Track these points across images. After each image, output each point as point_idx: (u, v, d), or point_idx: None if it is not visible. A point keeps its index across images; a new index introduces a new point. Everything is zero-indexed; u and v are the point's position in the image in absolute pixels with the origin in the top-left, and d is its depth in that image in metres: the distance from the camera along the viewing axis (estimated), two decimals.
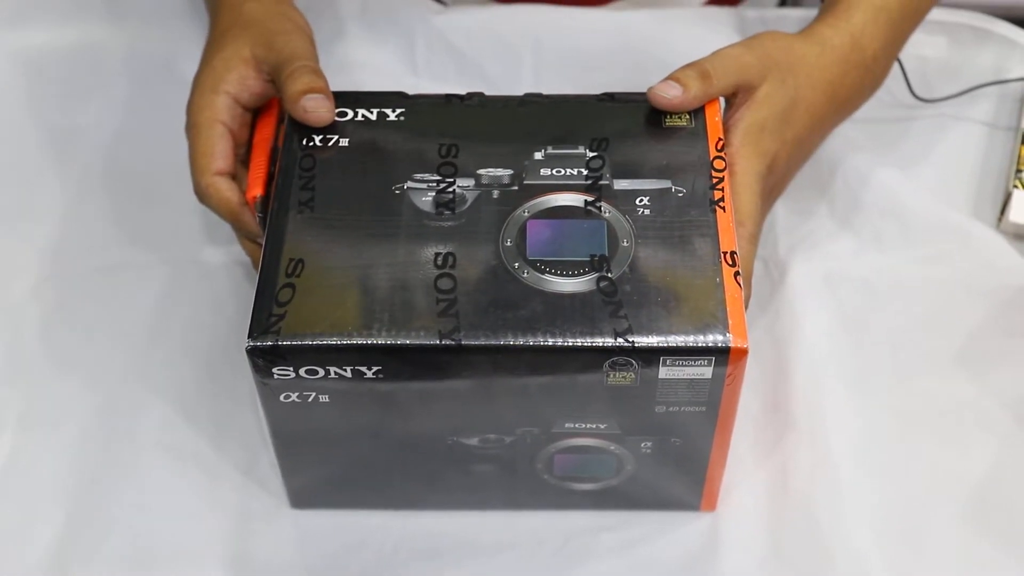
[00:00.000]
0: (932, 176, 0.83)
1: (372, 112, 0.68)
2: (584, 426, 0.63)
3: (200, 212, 0.82)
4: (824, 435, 0.72)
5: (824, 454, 0.71)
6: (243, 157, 0.72)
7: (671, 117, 0.67)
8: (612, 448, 0.65)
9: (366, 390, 0.61)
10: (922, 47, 0.88)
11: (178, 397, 0.74)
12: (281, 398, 0.61)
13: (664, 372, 0.59)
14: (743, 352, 0.59)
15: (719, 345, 0.58)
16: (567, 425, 0.63)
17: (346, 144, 0.67)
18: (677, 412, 0.62)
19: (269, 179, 0.68)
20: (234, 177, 0.70)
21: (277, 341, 0.59)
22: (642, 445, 0.64)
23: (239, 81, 0.70)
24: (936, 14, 0.89)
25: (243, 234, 0.71)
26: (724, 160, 0.66)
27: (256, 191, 0.67)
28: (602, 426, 0.63)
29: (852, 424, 0.72)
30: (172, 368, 0.76)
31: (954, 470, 0.71)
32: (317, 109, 0.67)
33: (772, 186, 0.72)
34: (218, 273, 0.80)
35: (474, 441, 0.64)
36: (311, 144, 0.67)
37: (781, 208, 0.82)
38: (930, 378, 0.75)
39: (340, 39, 0.91)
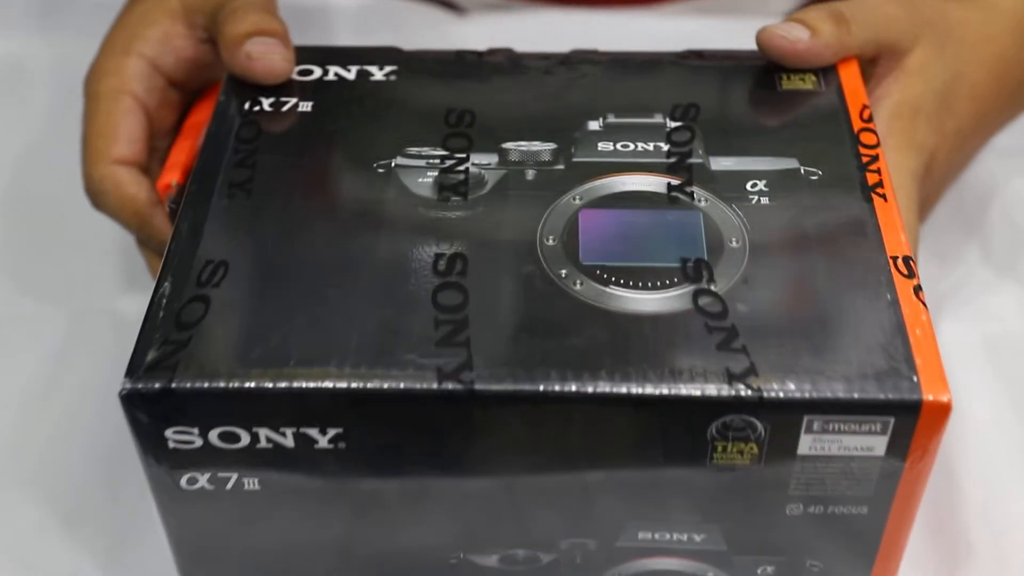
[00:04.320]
0: None
1: (349, 70, 0.47)
2: (669, 537, 0.39)
3: (121, 255, 0.61)
4: (1021, 568, 0.48)
5: None
6: (164, 152, 0.50)
7: (789, 78, 0.46)
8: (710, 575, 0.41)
9: (320, 471, 0.37)
10: None
11: (58, 494, 0.51)
12: (183, 483, 0.38)
13: (808, 444, 0.36)
14: (943, 410, 0.35)
15: (903, 399, 0.35)
16: (641, 536, 0.39)
17: (308, 109, 0.45)
18: (822, 516, 0.38)
19: None
20: (146, 171, 0.49)
21: (171, 383, 0.36)
22: (758, 571, 0.40)
23: (161, 40, 0.49)
24: None
25: (153, 246, 0.49)
26: (875, 133, 0.43)
27: (172, 177, 0.45)
28: (698, 538, 0.39)
29: None
30: (56, 451, 0.53)
31: None
32: (267, 55, 0.45)
33: (925, 197, 0.50)
34: (134, 328, 0.57)
35: (493, 561, 0.40)
36: (256, 109, 0.45)
37: None
38: None
39: None
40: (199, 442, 0.37)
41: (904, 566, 0.49)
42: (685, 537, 0.39)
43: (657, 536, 0.39)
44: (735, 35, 0.70)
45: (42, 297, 0.60)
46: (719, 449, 0.36)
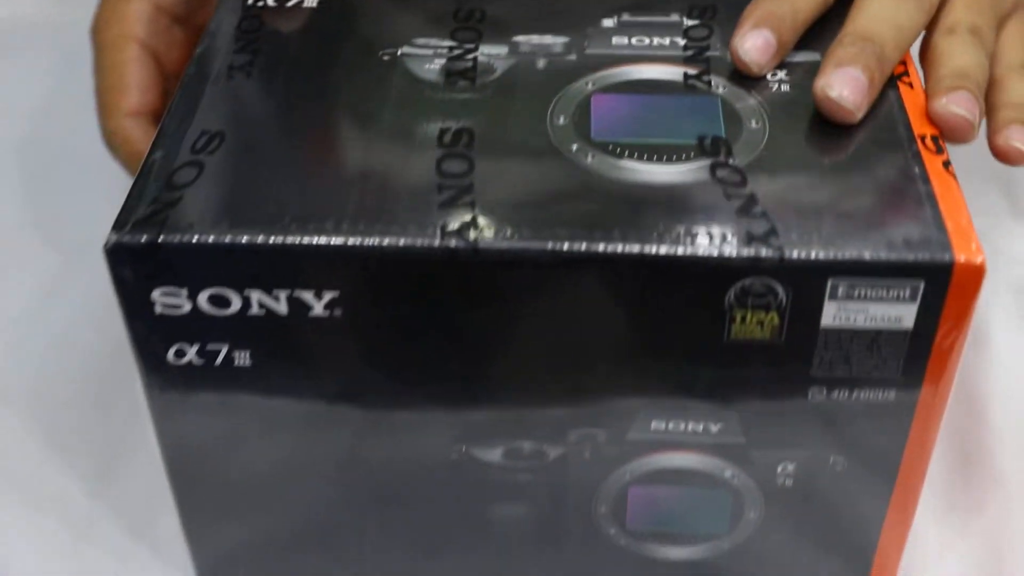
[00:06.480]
0: None
1: None
2: (684, 428, 0.37)
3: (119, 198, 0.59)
4: None
5: None
6: None
7: None
8: (727, 474, 0.38)
9: (316, 342, 0.36)
10: None
11: (45, 421, 0.49)
12: (170, 356, 0.36)
13: (832, 312, 0.34)
14: (976, 272, 0.33)
15: (934, 259, 0.33)
16: (654, 426, 0.37)
17: (313, 5, 0.44)
18: (847, 401, 0.36)
19: None
20: (159, 119, 0.48)
21: (159, 237, 0.34)
22: (779, 469, 0.38)
23: None
24: None
25: None
26: None
27: None
28: (714, 428, 0.37)
29: None
30: (43, 383, 0.51)
31: None
32: None
33: None
34: None
35: (496, 455, 0.38)
36: (259, 3, 0.44)
37: None
38: None
39: None
40: (187, 306, 0.35)
41: (932, 496, 0.47)
42: (701, 428, 0.37)
43: (671, 426, 0.37)
44: None
45: (34, 232, 0.58)
46: (737, 320, 0.34)
